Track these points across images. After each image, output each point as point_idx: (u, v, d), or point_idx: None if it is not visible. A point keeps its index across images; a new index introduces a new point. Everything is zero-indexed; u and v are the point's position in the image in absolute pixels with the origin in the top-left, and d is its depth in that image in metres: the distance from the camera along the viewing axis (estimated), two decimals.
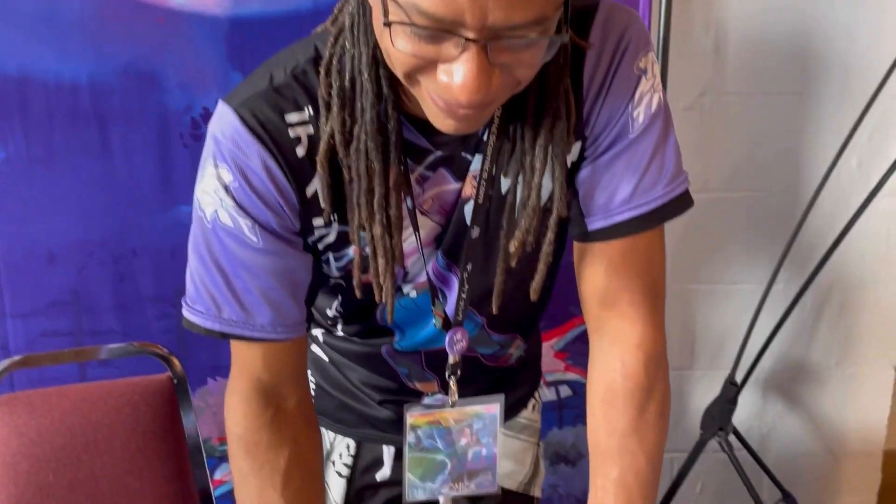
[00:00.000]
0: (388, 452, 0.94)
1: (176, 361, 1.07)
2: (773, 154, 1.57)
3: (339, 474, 0.96)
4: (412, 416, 0.85)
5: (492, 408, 0.87)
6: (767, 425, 1.73)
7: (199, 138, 1.24)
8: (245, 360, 0.76)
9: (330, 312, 0.85)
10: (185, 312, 0.74)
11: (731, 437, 1.48)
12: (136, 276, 1.29)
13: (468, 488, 0.90)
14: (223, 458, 1.39)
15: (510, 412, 0.96)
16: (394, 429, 0.89)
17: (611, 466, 0.76)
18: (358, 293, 0.73)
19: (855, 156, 1.55)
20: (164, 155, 1.25)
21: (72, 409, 1.00)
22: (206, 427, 1.35)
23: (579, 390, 1.49)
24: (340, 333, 0.89)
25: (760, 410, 1.71)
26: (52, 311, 1.28)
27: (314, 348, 0.94)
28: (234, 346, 0.77)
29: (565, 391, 1.49)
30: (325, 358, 0.93)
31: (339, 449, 0.96)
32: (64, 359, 1.11)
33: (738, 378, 1.47)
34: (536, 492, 1.02)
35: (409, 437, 0.85)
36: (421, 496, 0.89)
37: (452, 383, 0.84)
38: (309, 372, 0.95)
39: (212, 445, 1.38)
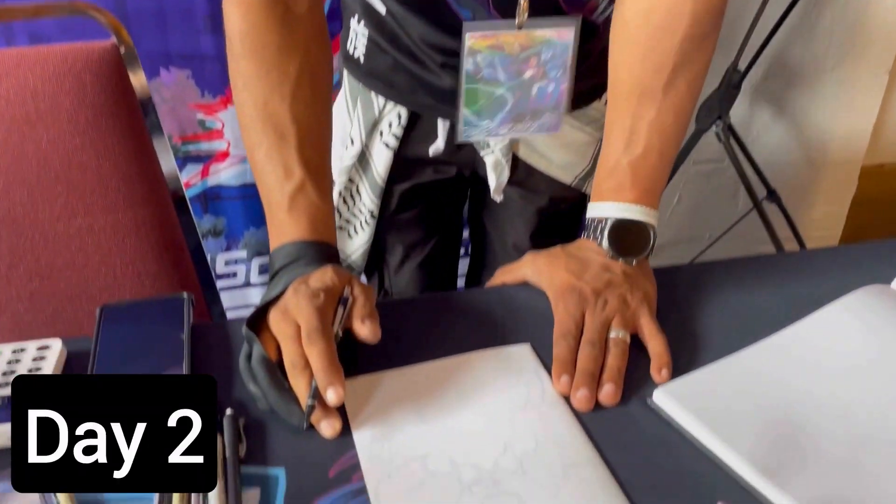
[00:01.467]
0: (442, 126, 0.84)
1: (123, 29, 0.92)
2: None
3: (387, 145, 0.87)
4: (472, 38, 0.71)
5: (565, 34, 0.72)
6: (753, 135, 1.68)
7: None
8: None
9: None
10: None
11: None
12: None
13: (529, 129, 0.78)
14: (187, 158, 1.30)
15: (582, 100, 0.84)
16: (451, 101, 0.78)
17: (648, 108, 0.65)
18: None
19: None
20: None
21: (3, 74, 0.87)
22: (164, 125, 1.23)
23: None
24: None
25: (748, 119, 1.66)
26: None
27: None
28: None
29: None
30: (382, 9, 0.79)
31: (390, 118, 0.85)
32: None
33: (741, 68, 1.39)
34: (589, 189, 0.94)
35: (467, 64, 0.72)
36: (476, 136, 0.77)
37: None
38: (362, 24, 0.82)
39: (174, 145, 1.27)
